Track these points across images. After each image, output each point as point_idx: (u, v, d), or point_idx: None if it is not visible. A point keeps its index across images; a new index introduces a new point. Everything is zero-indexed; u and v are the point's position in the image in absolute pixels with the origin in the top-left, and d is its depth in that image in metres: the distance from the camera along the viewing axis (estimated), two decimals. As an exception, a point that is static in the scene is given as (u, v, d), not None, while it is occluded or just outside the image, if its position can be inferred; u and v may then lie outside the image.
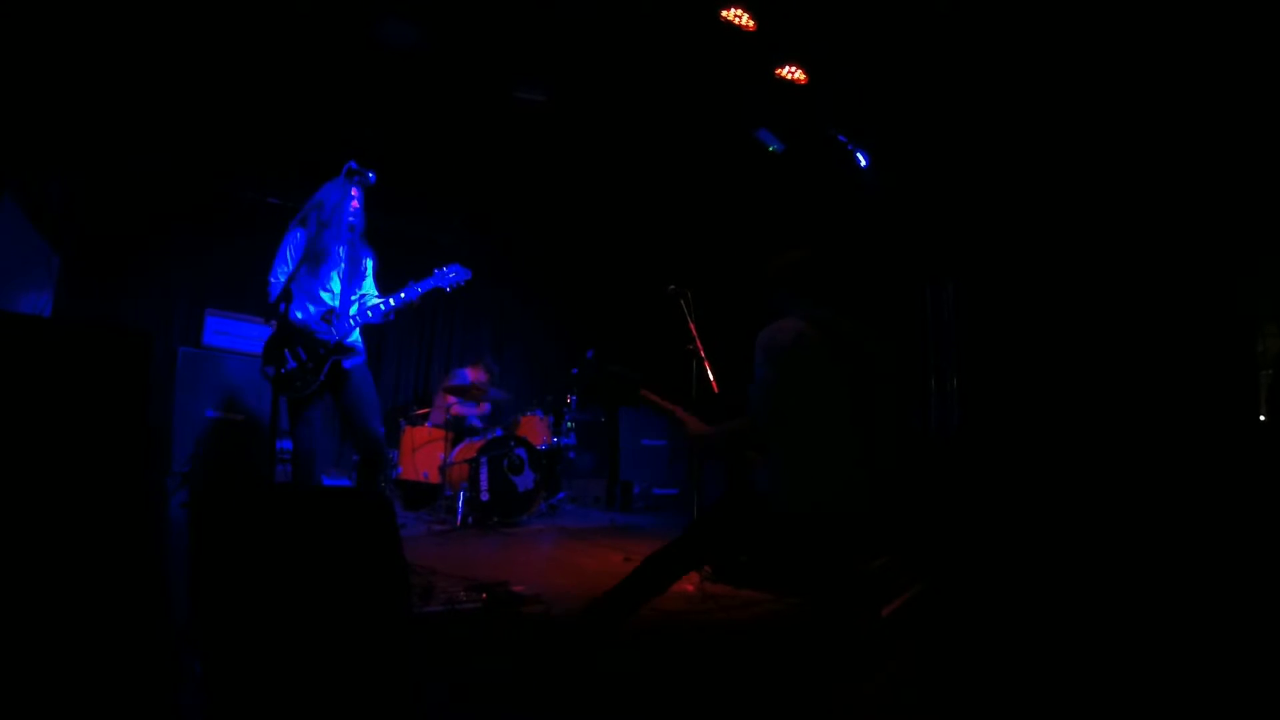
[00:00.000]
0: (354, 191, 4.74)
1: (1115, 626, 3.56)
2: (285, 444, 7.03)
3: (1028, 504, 5.11)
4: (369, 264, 4.94)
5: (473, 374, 8.25)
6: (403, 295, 4.77)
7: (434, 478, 7.42)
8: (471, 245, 9.79)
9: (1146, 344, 5.43)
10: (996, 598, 3.97)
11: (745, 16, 6.04)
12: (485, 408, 8.15)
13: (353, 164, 4.07)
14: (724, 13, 6.01)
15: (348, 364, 4.67)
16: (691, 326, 5.47)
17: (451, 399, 7.72)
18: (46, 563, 1.82)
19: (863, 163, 7.22)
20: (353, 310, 4.74)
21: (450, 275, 4.88)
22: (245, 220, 8.21)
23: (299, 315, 4.64)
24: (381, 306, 4.74)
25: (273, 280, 4.68)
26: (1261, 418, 5.26)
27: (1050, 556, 4.41)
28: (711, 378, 5.33)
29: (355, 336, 4.76)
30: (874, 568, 3.88)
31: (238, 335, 7.33)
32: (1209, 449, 4.88)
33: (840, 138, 7.20)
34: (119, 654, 1.83)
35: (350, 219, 4.75)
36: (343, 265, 4.77)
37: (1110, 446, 5.24)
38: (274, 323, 4.58)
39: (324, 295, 4.71)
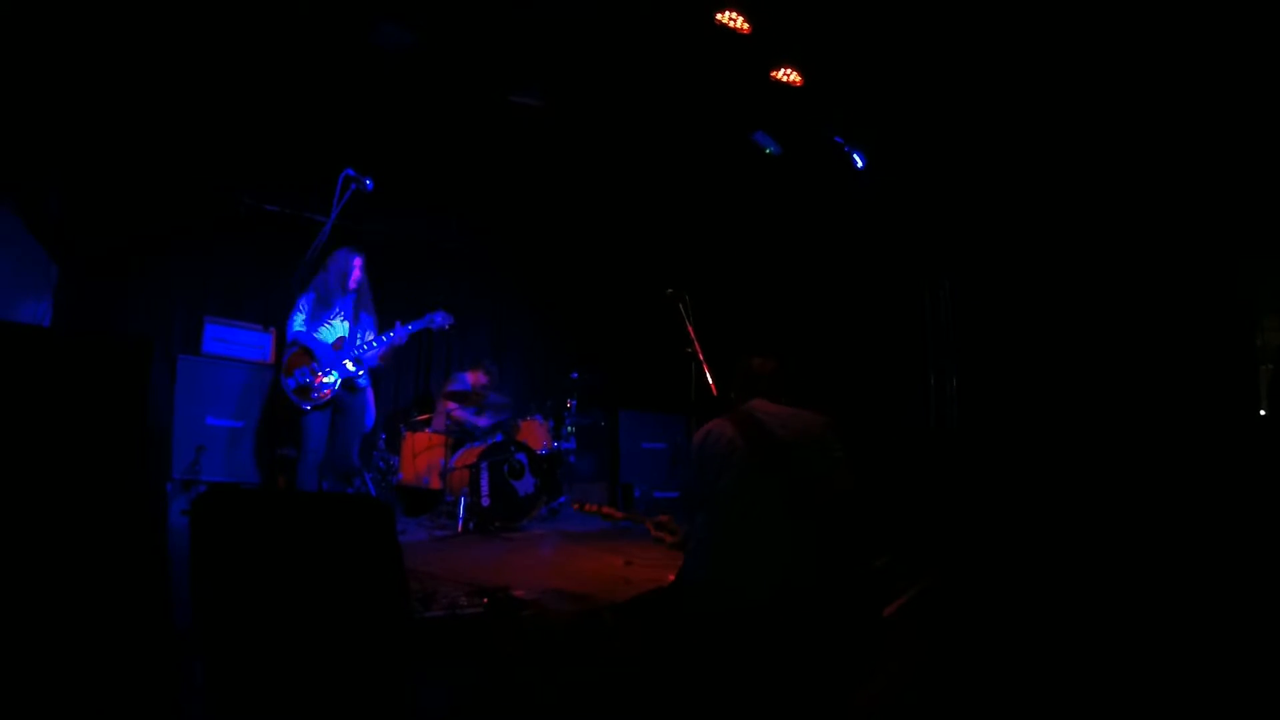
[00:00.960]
0: (355, 260, 5.62)
1: (1116, 624, 3.56)
2: (283, 450, 7.08)
3: (1028, 502, 5.11)
4: (367, 319, 5.79)
5: (472, 377, 8.24)
6: (391, 335, 5.58)
7: (435, 483, 7.42)
8: (469, 250, 9.80)
9: (1146, 339, 5.44)
10: (997, 597, 3.98)
11: (740, 19, 6.05)
12: (485, 419, 8.13)
13: (350, 170, 4.08)
14: (719, 15, 6.02)
15: (359, 383, 5.55)
16: (690, 329, 5.48)
17: (451, 404, 7.72)
18: (49, 569, 1.82)
19: (859, 164, 7.23)
20: (358, 344, 5.55)
21: (437, 319, 5.78)
22: (243, 228, 8.19)
23: (312, 343, 5.42)
24: (374, 344, 5.58)
25: (293, 330, 5.51)
26: (1262, 412, 5.26)
27: (1051, 554, 4.41)
28: (710, 380, 5.34)
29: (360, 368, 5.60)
30: (876, 567, 3.89)
31: (236, 343, 7.34)
32: (1209, 444, 4.88)
33: (837, 139, 7.21)
34: (120, 659, 1.83)
35: (352, 284, 5.62)
36: (345, 316, 5.59)
37: (1110, 442, 5.24)
38: (289, 351, 5.44)
39: (332, 333, 5.55)
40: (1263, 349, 5.45)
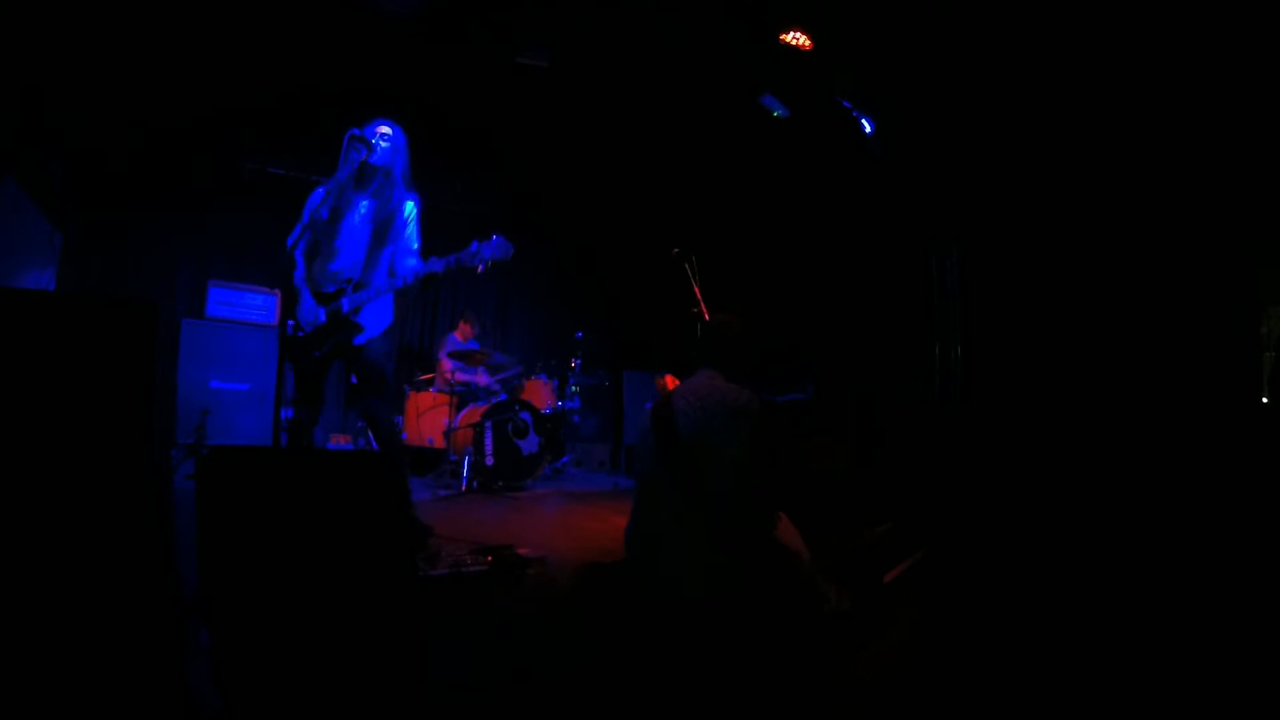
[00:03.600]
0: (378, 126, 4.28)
1: (1114, 595, 3.59)
2: (288, 412, 7.12)
3: (1030, 473, 5.13)
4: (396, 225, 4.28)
5: (460, 334, 8.26)
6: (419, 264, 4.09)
7: (439, 443, 7.46)
8: (475, 210, 9.76)
9: (1151, 324, 5.42)
10: (997, 565, 4.01)
11: (750, -20, 5.99)
12: (485, 378, 8.13)
13: (355, 130, 4.02)
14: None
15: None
16: (696, 290, 5.48)
17: (449, 364, 7.73)
18: (54, 537, 1.84)
19: (867, 129, 7.17)
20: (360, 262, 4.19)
21: (485, 250, 4.07)
22: (247, 191, 8.19)
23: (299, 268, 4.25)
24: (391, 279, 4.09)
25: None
26: (1265, 400, 5.26)
27: (1051, 526, 4.44)
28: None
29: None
30: (877, 533, 3.92)
31: (241, 305, 7.36)
32: (1212, 431, 4.89)
33: (845, 103, 7.14)
34: (126, 626, 1.85)
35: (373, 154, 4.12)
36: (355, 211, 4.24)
37: (1112, 422, 5.25)
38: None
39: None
40: (1267, 336, 5.44)
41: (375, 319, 4.14)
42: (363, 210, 4.20)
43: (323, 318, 4.05)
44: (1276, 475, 4.27)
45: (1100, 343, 5.57)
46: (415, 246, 4.27)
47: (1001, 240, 6.45)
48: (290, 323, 4.11)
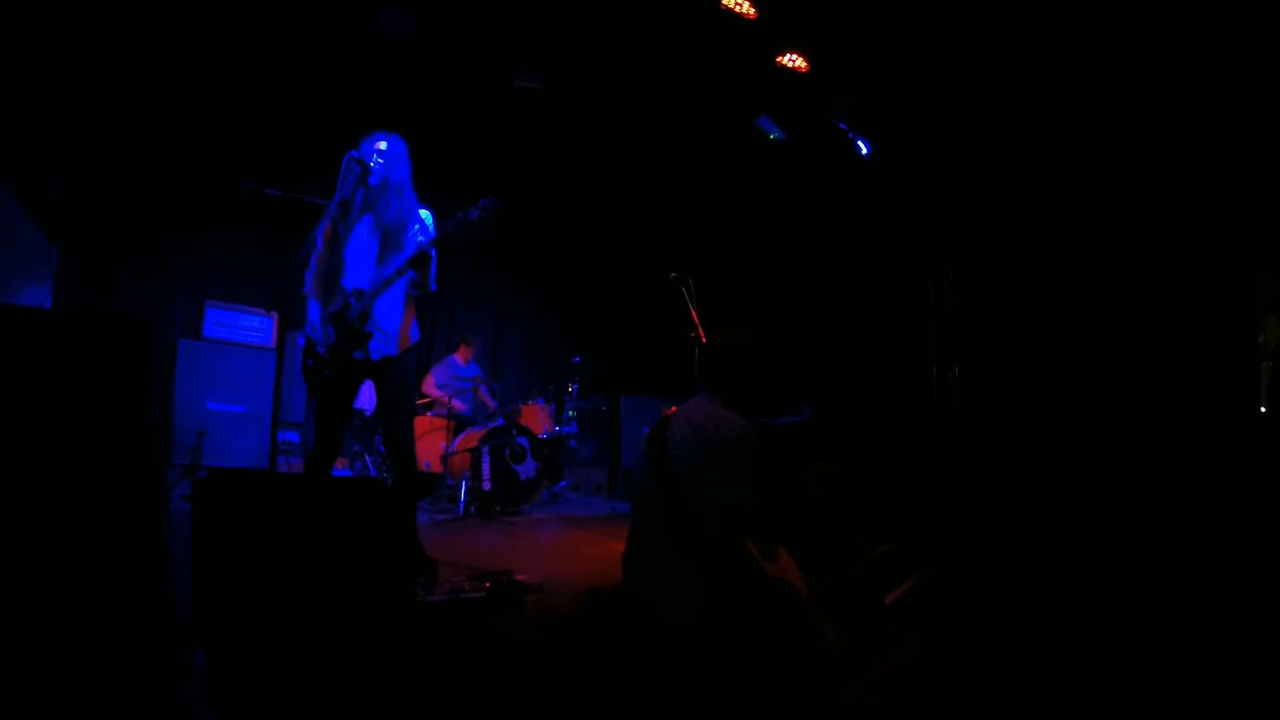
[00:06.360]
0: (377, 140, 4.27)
1: (1114, 616, 3.56)
2: (285, 435, 7.08)
3: (1029, 492, 5.11)
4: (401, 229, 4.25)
5: (460, 356, 8.24)
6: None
7: (436, 467, 7.41)
8: (470, 233, 9.76)
9: (1147, 335, 5.43)
10: (999, 586, 3.98)
11: (746, 4, 6.01)
12: (469, 406, 8.10)
13: (353, 153, 4.01)
14: (725, 0, 5.98)
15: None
16: (693, 313, 5.47)
17: (445, 390, 7.71)
18: (49, 556, 1.81)
19: (864, 151, 7.20)
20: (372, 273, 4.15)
21: (473, 213, 4.17)
22: (244, 211, 8.16)
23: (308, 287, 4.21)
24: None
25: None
26: (1262, 410, 5.25)
27: (1052, 545, 4.41)
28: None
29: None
30: (877, 555, 3.89)
31: (237, 327, 7.32)
32: (1209, 441, 4.88)
33: (841, 125, 7.17)
34: (121, 647, 1.83)
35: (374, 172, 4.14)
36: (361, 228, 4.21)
37: (1111, 437, 5.24)
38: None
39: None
40: (1263, 346, 5.45)
41: (388, 320, 4.08)
42: (369, 225, 4.15)
43: (333, 335, 3.97)
44: (1275, 486, 4.26)
45: (1097, 360, 5.57)
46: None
47: (998, 260, 6.47)
48: (303, 349, 4.07)
